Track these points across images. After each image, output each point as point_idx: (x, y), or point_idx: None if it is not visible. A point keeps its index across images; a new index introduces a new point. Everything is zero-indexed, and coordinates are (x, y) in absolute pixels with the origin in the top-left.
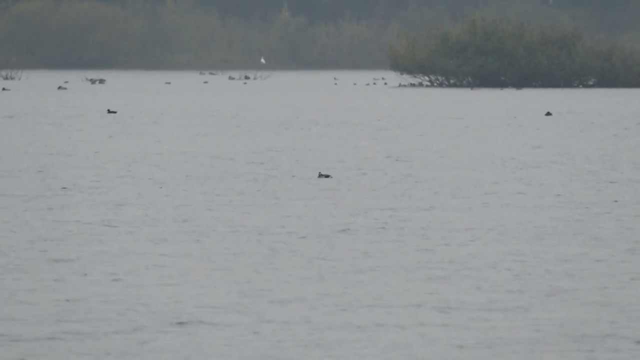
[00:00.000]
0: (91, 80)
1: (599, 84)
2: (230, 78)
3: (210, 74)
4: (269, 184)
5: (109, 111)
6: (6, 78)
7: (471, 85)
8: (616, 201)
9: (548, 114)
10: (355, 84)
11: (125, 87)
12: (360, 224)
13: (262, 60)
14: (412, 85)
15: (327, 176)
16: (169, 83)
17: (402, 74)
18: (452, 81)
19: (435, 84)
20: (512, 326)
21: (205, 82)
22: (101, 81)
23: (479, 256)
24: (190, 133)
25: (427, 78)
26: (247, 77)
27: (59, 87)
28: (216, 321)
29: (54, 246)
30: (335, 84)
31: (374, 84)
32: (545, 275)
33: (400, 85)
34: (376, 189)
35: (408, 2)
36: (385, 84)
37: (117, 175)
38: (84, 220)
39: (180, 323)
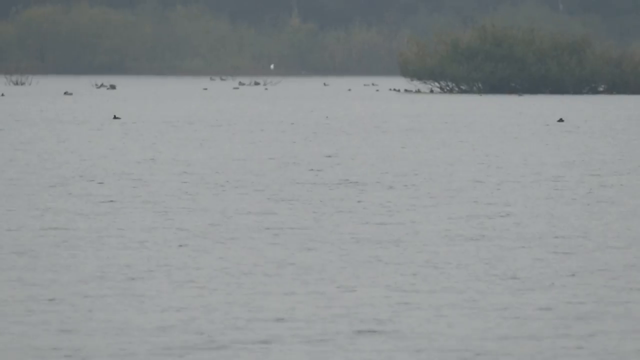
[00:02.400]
0: (102, 85)
1: (609, 91)
2: (241, 84)
3: (221, 79)
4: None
5: (114, 117)
6: (16, 83)
7: (481, 92)
8: None
9: (560, 120)
10: (349, 89)
11: (156, 93)
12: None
13: (272, 67)
14: (408, 91)
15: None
16: (206, 89)
17: (412, 80)
18: (462, 87)
19: (445, 90)
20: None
21: (236, 88)
22: (112, 87)
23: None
24: (264, 139)
25: (437, 84)
26: (256, 83)
27: (65, 93)
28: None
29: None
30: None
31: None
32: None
33: (392, 90)
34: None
35: (418, 8)
36: (377, 90)
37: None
38: (188, 227)
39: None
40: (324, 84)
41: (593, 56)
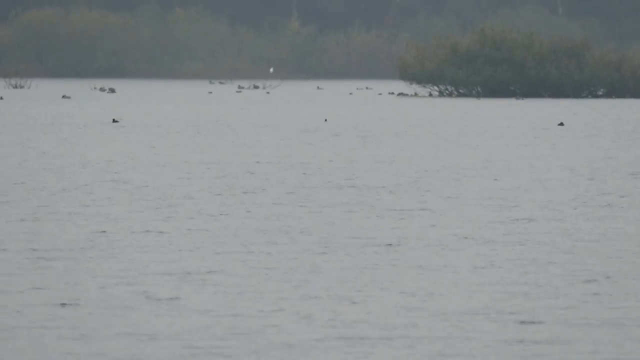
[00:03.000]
0: (101, 88)
1: (608, 94)
2: (240, 87)
3: (220, 83)
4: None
5: (113, 120)
6: (15, 87)
7: (479, 95)
8: None
9: (561, 124)
10: (350, 93)
11: (162, 96)
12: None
13: (271, 70)
14: (403, 94)
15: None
16: (211, 92)
17: (411, 83)
18: (461, 91)
19: (444, 94)
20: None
21: (239, 92)
22: (111, 90)
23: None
24: (291, 143)
25: (436, 88)
26: (255, 87)
27: (63, 96)
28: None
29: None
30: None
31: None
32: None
33: (388, 93)
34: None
35: (417, 11)
36: (380, 94)
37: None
38: (207, 229)
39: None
40: (318, 87)
41: (592, 60)
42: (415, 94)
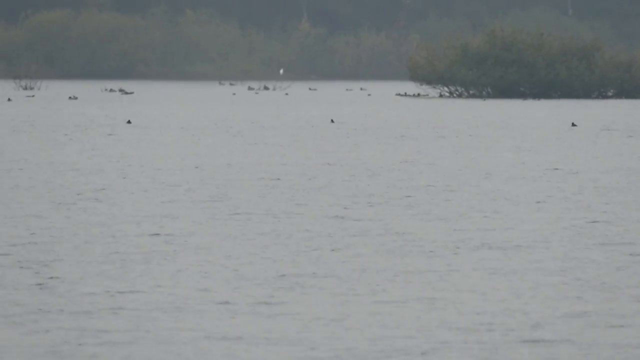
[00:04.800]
0: (111, 90)
1: (618, 95)
2: (250, 89)
3: (230, 84)
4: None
5: (128, 122)
6: (25, 88)
7: (486, 97)
8: None
9: (573, 125)
10: (369, 94)
11: (184, 98)
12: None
13: (281, 72)
14: (399, 95)
15: None
16: (235, 94)
17: (421, 84)
18: (471, 92)
19: (454, 95)
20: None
21: (257, 93)
22: (122, 91)
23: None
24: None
25: (446, 89)
26: (266, 88)
27: (70, 97)
28: None
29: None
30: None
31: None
32: None
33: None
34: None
35: (428, 12)
36: (369, 95)
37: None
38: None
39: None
40: (309, 88)
41: (602, 61)
42: (419, 95)
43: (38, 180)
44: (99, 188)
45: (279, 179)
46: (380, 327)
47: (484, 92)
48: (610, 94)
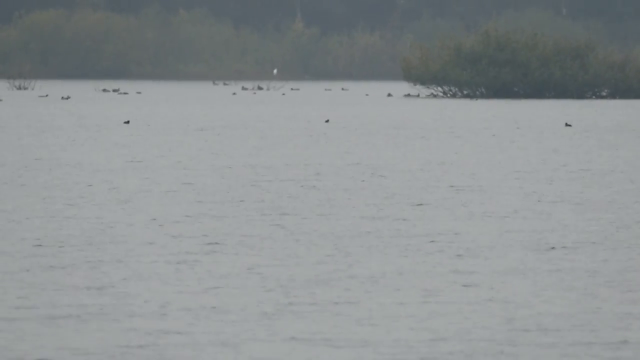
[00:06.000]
0: (114, 90)
1: (612, 95)
2: (244, 89)
3: (224, 84)
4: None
5: (125, 122)
6: (19, 88)
7: (479, 97)
8: None
9: (567, 125)
10: (367, 94)
11: (185, 98)
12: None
13: (274, 72)
14: (391, 95)
15: None
16: (235, 94)
17: (415, 84)
18: (465, 92)
19: (448, 95)
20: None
21: (254, 93)
22: (115, 91)
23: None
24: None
25: (440, 89)
26: (260, 88)
27: (62, 97)
28: None
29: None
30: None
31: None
32: None
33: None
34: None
35: (421, 12)
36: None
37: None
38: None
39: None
40: (291, 88)
41: (596, 61)
42: (410, 95)
43: (78, 180)
44: (143, 189)
45: (307, 180)
46: (435, 328)
47: (477, 92)
48: (604, 93)
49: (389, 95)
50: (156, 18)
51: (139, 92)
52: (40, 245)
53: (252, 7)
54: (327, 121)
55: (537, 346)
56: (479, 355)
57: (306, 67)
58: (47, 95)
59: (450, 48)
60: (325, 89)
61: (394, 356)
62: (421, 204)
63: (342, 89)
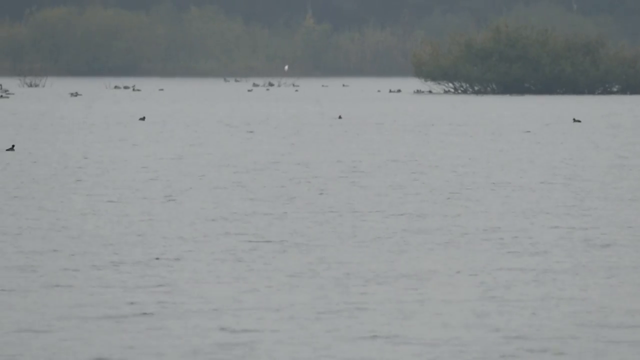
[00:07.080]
0: (125, 87)
1: (623, 91)
2: (255, 85)
3: (236, 80)
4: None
5: (141, 119)
6: (30, 85)
7: (485, 93)
8: None
9: (576, 120)
10: (379, 90)
11: (203, 95)
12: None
13: (285, 68)
14: (391, 92)
15: None
16: (251, 90)
17: (426, 80)
18: (476, 88)
19: (459, 91)
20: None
21: (267, 90)
22: (127, 88)
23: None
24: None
25: (451, 85)
26: (271, 84)
27: (71, 94)
28: None
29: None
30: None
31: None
32: None
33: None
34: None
35: (432, 9)
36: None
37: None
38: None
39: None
40: (277, 85)
41: (607, 56)
42: (420, 91)
43: (127, 177)
44: (192, 186)
45: (351, 176)
46: (499, 326)
47: (488, 88)
48: (615, 89)
49: (391, 91)
50: (167, 15)
51: (162, 89)
52: (106, 244)
53: (263, 3)
54: (339, 117)
55: (603, 343)
56: (547, 354)
57: (317, 63)
58: (76, 94)
59: (461, 44)
60: (322, 85)
61: (457, 354)
62: (469, 200)
63: (343, 85)
